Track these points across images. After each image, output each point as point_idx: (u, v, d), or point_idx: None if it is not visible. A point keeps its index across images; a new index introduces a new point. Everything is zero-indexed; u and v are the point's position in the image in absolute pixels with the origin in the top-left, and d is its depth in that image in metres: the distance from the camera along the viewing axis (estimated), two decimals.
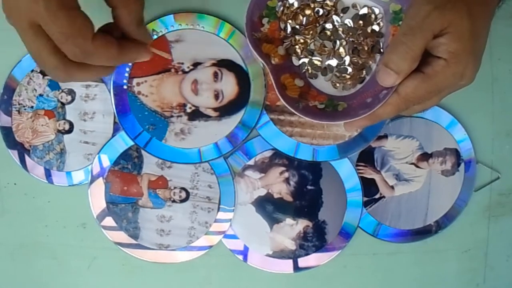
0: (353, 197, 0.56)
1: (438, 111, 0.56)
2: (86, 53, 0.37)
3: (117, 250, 0.56)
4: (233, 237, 0.56)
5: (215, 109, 0.55)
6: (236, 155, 0.56)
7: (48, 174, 0.56)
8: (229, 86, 0.55)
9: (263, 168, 0.56)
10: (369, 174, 0.56)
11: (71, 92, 0.56)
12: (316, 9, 0.50)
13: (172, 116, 0.55)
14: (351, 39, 0.50)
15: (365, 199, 0.56)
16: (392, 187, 0.56)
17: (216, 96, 0.55)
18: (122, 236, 0.56)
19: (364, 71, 0.50)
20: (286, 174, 0.56)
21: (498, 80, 0.56)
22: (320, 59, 0.50)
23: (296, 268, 0.56)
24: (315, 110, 0.49)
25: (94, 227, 0.56)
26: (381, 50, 0.50)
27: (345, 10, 0.50)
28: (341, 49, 0.50)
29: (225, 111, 0.55)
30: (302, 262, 0.56)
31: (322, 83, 0.50)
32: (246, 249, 0.56)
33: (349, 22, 0.50)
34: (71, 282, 0.57)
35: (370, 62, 0.50)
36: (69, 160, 0.56)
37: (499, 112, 0.57)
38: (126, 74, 0.55)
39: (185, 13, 0.55)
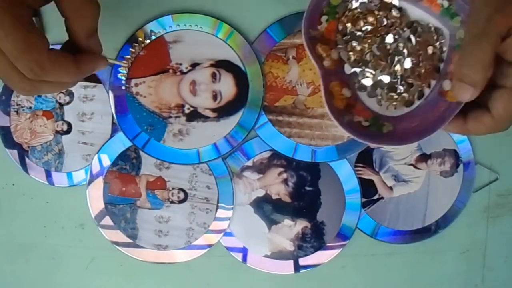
0: (351, 198, 0.56)
1: None
2: (43, 69, 0.37)
3: (115, 250, 0.56)
4: (231, 241, 0.56)
5: (213, 110, 0.55)
6: (235, 156, 0.55)
7: (48, 175, 0.56)
8: (227, 87, 0.55)
9: (262, 169, 0.56)
10: (368, 175, 0.56)
11: (69, 93, 0.55)
12: (380, 17, 0.46)
13: (170, 117, 0.55)
14: (410, 58, 0.46)
15: (364, 200, 0.56)
16: (391, 188, 0.56)
17: (214, 97, 0.55)
18: (120, 237, 0.56)
19: (415, 95, 0.46)
20: (285, 175, 0.56)
21: None
22: (373, 72, 0.47)
23: (295, 269, 0.56)
24: (360, 127, 0.46)
25: (92, 228, 0.56)
26: (437, 76, 0.47)
27: (409, 25, 0.46)
28: (398, 66, 0.46)
29: (224, 112, 0.55)
30: (301, 263, 0.56)
31: (369, 98, 0.47)
32: (245, 251, 0.56)
33: (412, 39, 0.46)
34: (69, 283, 0.57)
35: (424, 86, 0.46)
36: (67, 161, 0.56)
37: None
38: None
39: (183, 14, 0.54)
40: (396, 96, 0.46)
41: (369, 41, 0.46)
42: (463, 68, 0.39)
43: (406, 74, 0.46)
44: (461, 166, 0.56)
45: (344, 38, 0.47)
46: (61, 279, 0.57)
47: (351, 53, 0.47)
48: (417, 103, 0.46)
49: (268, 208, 0.56)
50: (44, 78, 0.38)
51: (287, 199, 0.56)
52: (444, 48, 0.46)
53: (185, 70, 0.55)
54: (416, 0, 0.47)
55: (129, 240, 0.56)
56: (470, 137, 0.56)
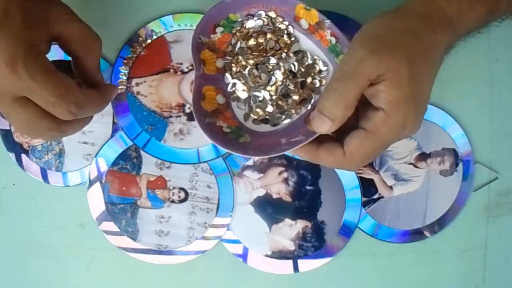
0: (352, 197, 0.56)
1: (436, 111, 0.56)
2: (80, 107, 0.39)
3: (116, 250, 0.56)
4: (232, 241, 0.56)
5: None
6: (235, 155, 0.56)
7: (44, 175, 0.56)
8: None
9: (262, 168, 0.56)
10: (368, 174, 0.56)
11: None
12: (270, 41, 0.49)
13: (171, 117, 0.55)
14: (287, 84, 0.48)
15: (364, 199, 0.56)
16: (391, 187, 0.56)
17: None
18: (121, 237, 0.56)
19: (283, 117, 0.49)
20: (285, 174, 0.56)
21: (496, 80, 0.57)
22: (250, 87, 0.49)
23: (295, 268, 0.56)
24: (218, 131, 0.47)
25: (93, 228, 0.56)
26: (310, 106, 0.49)
27: (297, 53, 0.49)
28: (273, 88, 0.48)
29: None
30: (301, 262, 0.56)
31: (239, 110, 0.50)
32: (245, 250, 0.56)
33: (293, 65, 0.49)
34: (69, 283, 0.56)
35: (293, 111, 0.49)
36: (68, 161, 0.56)
37: (497, 112, 0.57)
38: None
39: (184, 14, 0.55)
40: (262, 113, 0.49)
41: (255, 59, 0.49)
42: (325, 101, 0.39)
43: (279, 97, 0.48)
44: (460, 165, 0.56)
45: (233, 51, 0.50)
46: (62, 279, 0.56)
47: (234, 65, 0.50)
48: (282, 125, 0.49)
49: (269, 208, 0.56)
50: (81, 116, 0.40)
51: (287, 198, 0.56)
52: (324, 82, 0.49)
53: (185, 70, 0.55)
54: (308, 32, 0.49)
55: (130, 240, 0.56)
56: (470, 136, 0.56)
